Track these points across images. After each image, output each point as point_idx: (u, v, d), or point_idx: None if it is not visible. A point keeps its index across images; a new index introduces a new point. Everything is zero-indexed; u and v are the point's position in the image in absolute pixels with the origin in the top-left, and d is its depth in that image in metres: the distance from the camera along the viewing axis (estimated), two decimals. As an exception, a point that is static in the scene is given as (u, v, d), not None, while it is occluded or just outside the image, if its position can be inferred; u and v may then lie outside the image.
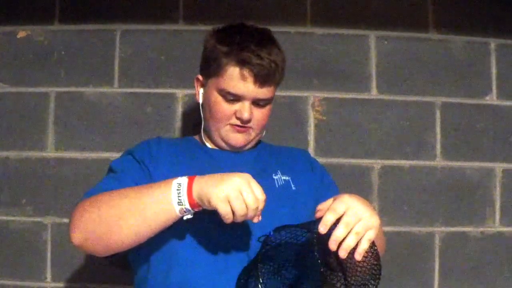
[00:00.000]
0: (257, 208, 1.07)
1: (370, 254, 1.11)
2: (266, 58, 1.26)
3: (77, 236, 1.15)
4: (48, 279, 1.77)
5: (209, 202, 1.06)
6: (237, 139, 1.32)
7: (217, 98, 1.30)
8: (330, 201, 1.10)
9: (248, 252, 1.21)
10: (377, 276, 1.09)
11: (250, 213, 1.07)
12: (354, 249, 1.06)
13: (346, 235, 1.04)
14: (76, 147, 1.78)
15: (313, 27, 1.83)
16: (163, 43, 1.81)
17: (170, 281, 1.20)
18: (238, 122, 1.30)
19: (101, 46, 1.80)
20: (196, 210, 1.11)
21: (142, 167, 1.29)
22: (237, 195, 1.05)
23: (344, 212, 1.05)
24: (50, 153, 1.78)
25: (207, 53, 1.33)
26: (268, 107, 1.33)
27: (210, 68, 1.31)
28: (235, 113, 1.30)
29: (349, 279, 1.12)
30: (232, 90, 1.27)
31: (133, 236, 1.14)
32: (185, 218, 1.12)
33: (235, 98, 1.28)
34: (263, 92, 1.28)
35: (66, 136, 1.79)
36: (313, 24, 1.83)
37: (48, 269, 1.77)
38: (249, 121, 1.30)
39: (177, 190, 1.08)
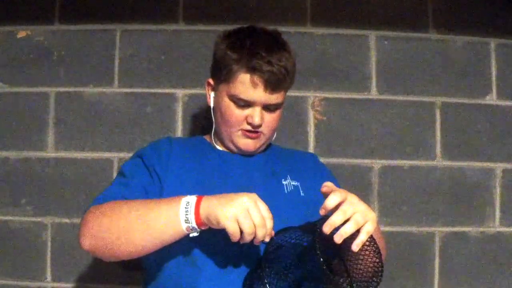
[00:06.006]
0: (264, 226, 1.08)
1: (371, 251, 1.11)
2: (276, 65, 1.26)
3: (86, 243, 1.19)
4: (48, 279, 1.77)
5: (217, 222, 1.08)
6: (247, 144, 1.33)
7: (228, 103, 1.30)
8: (331, 183, 1.12)
9: (258, 256, 1.21)
10: (379, 273, 1.09)
11: (259, 232, 1.08)
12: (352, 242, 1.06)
13: (345, 224, 1.05)
14: (76, 147, 1.79)
15: (313, 27, 1.83)
16: (163, 43, 1.81)
17: (180, 282, 1.22)
18: (249, 127, 1.31)
19: (101, 46, 1.80)
20: (202, 228, 1.13)
21: (151, 172, 1.30)
22: (245, 214, 1.07)
23: (342, 202, 1.07)
24: (50, 153, 1.78)
25: (217, 59, 1.33)
26: (278, 112, 1.34)
27: (221, 74, 1.31)
28: (246, 118, 1.30)
29: (351, 276, 1.12)
30: (243, 96, 1.28)
31: (139, 249, 1.16)
32: (191, 235, 1.14)
33: (245, 103, 1.29)
34: (274, 98, 1.29)
35: (66, 136, 1.79)
36: (313, 24, 1.83)
37: (48, 269, 1.77)
38: (260, 126, 1.31)
39: (185, 208, 1.10)
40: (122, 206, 1.17)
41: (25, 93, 1.79)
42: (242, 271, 1.21)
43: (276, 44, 1.30)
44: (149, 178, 1.28)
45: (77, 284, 1.78)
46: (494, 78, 1.86)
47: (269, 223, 1.09)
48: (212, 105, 1.37)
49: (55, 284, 1.77)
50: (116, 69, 1.80)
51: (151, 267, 1.29)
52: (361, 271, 1.13)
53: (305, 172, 1.39)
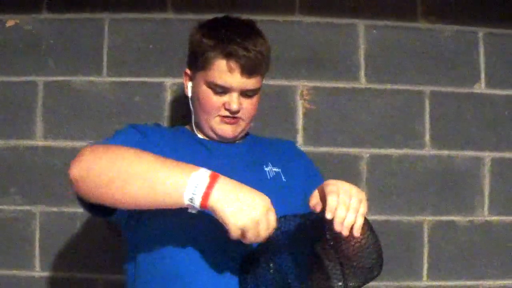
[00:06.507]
0: (265, 238, 1.07)
1: (369, 235, 1.13)
2: (251, 50, 1.28)
3: (76, 171, 1.11)
4: (37, 268, 1.77)
5: (222, 221, 1.05)
6: (226, 130, 1.34)
7: (205, 91, 1.32)
8: (315, 191, 1.14)
9: (241, 244, 1.21)
10: (380, 255, 1.14)
11: (257, 241, 1.07)
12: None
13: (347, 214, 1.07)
14: (64, 136, 1.79)
15: (301, 15, 1.83)
16: (152, 32, 1.80)
17: (162, 269, 1.22)
18: (228, 113, 1.32)
19: (90, 35, 1.80)
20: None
21: (146, 139, 1.28)
22: (254, 227, 1.04)
23: (336, 192, 1.08)
24: (39, 142, 1.78)
25: (193, 48, 1.35)
26: (256, 97, 1.35)
27: (197, 62, 1.33)
28: (224, 105, 1.31)
29: (355, 264, 1.13)
30: (220, 82, 1.29)
31: (129, 201, 1.11)
32: (189, 211, 1.11)
33: (223, 90, 1.30)
34: (250, 83, 1.30)
35: (55, 125, 1.79)
36: (301, 13, 1.83)
37: (36, 258, 1.77)
38: (238, 111, 1.32)
39: (195, 187, 1.05)
40: (130, 152, 1.13)
41: (14, 82, 1.79)
42: (226, 258, 1.20)
43: (251, 31, 1.33)
44: (145, 145, 1.25)
45: (66, 274, 1.78)
46: (482, 67, 1.86)
47: (268, 233, 1.07)
48: (190, 94, 1.39)
49: (44, 273, 1.77)
50: (105, 58, 1.80)
51: (134, 251, 1.29)
52: (364, 259, 1.14)
53: (285, 158, 1.41)
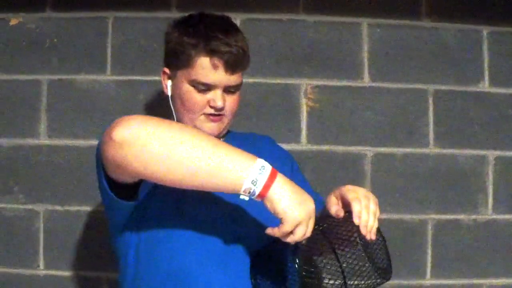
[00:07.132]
0: (309, 234, 1.09)
1: (380, 236, 1.17)
2: (233, 45, 1.27)
3: (128, 133, 1.04)
4: (41, 267, 1.77)
5: (280, 211, 1.05)
6: (212, 128, 1.33)
7: (188, 89, 1.30)
8: (333, 197, 1.20)
9: (244, 240, 1.23)
10: (388, 255, 1.19)
11: (303, 238, 1.08)
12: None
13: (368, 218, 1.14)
14: (68, 135, 1.79)
15: (305, 14, 1.83)
16: (156, 31, 1.80)
17: (169, 266, 1.21)
18: (212, 111, 1.31)
19: (94, 34, 1.80)
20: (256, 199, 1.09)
21: None
22: (307, 222, 1.06)
23: (358, 198, 1.15)
24: (43, 141, 1.78)
25: (173, 46, 1.32)
26: (238, 93, 1.35)
27: (178, 61, 1.30)
28: (208, 102, 1.30)
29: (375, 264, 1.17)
30: (204, 80, 1.28)
31: (181, 177, 1.06)
32: (241, 197, 1.13)
33: (207, 88, 1.29)
34: (234, 79, 1.30)
35: (59, 123, 1.79)
36: (305, 11, 1.83)
37: (40, 256, 1.77)
38: (223, 108, 1.31)
39: (259, 174, 1.05)
40: (189, 126, 1.14)
41: (18, 80, 1.79)
42: (229, 256, 1.21)
43: (230, 26, 1.32)
44: None
45: (70, 272, 1.78)
46: (486, 66, 1.86)
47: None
48: (170, 94, 1.36)
49: (48, 272, 1.78)
50: (109, 57, 1.80)
51: (128, 253, 1.27)
52: (378, 259, 1.18)
53: (270, 154, 1.37)
